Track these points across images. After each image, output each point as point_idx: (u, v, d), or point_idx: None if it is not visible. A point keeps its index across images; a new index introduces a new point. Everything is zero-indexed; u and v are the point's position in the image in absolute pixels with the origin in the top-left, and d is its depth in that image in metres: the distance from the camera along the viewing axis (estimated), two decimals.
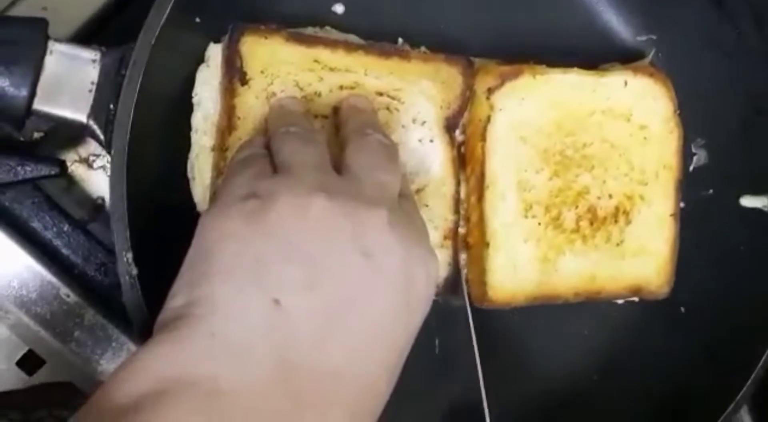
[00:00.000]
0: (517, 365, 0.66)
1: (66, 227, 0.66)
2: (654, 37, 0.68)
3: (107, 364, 0.62)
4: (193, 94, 0.56)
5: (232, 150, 0.53)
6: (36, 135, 0.65)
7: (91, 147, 0.67)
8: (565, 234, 0.61)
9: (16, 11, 0.62)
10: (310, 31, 0.59)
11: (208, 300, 0.41)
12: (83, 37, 0.62)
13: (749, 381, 0.60)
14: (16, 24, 0.52)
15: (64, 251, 0.66)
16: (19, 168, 0.62)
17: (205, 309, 0.41)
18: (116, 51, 0.52)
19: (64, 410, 0.56)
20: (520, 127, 0.60)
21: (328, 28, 0.60)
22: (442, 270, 0.59)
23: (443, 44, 0.61)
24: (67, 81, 0.51)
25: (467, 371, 0.60)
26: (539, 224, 0.61)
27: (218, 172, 0.54)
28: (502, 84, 0.59)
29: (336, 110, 0.56)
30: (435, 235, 0.58)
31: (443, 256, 0.59)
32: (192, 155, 0.56)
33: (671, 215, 0.64)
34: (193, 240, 0.44)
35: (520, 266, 0.60)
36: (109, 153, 0.50)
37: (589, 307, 0.64)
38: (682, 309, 0.66)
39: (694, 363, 0.64)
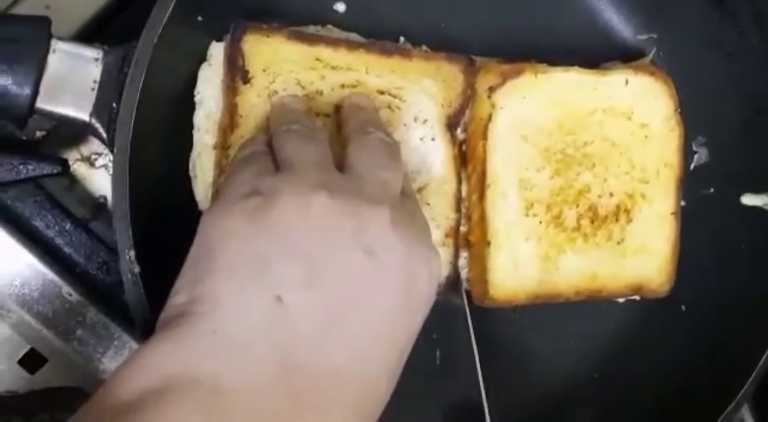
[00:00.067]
0: (517, 364, 0.66)
1: (68, 226, 0.66)
2: (655, 36, 0.68)
3: (109, 363, 0.62)
4: (195, 93, 0.56)
5: (234, 148, 0.53)
6: (38, 134, 0.65)
7: (93, 146, 0.67)
8: (566, 233, 0.61)
9: (19, 10, 0.62)
10: (311, 29, 0.59)
11: (210, 297, 0.41)
12: (86, 35, 0.62)
13: (750, 380, 0.60)
14: (18, 22, 0.52)
15: (66, 250, 0.66)
16: (21, 166, 0.62)
17: (207, 306, 0.41)
18: (119, 49, 0.52)
19: (67, 413, 0.56)
20: (522, 125, 0.60)
21: (329, 26, 0.60)
22: (444, 269, 0.59)
23: (444, 43, 0.61)
24: (70, 79, 0.51)
25: (467, 371, 0.60)
26: (540, 222, 0.61)
27: (220, 170, 0.54)
28: (503, 82, 0.59)
29: (338, 108, 0.56)
30: (436, 234, 0.59)
31: (445, 255, 0.59)
32: (194, 153, 0.56)
33: (672, 213, 0.64)
34: (195, 238, 0.44)
35: (522, 264, 0.60)
36: (111, 151, 0.50)
37: (590, 306, 0.64)
38: (683, 307, 0.66)
39: (695, 361, 0.64)
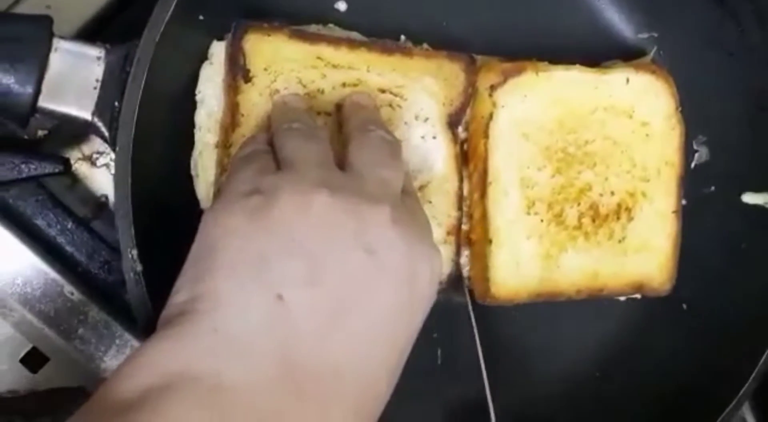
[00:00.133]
0: (518, 363, 0.66)
1: (70, 225, 0.66)
2: (656, 35, 0.68)
3: (111, 361, 0.62)
4: (197, 92, 0.56)
5: (236, 147, 0.53)
6: (40, 133, 0.65)
7: (95, 145, 0.67)
8: (567, 231, 0.61)
9: (20, 9, 0.62)
10: (313, 28, 0.59)
11: (211, 295, 0.41)
12: (87, 34, 0.63)
13: (751, 378, 0.60)
14: (21, 21, 0.52)
15: (68, 248, 0.66)
16: (23, 165, 0.63)
17: (208, 304, 0.41)
18: (121, 48, 0.52)
19: (69, 415, 0.56)
20: (523, 124, 0.60)
21: (330, 25, 0.60)
22: (446, 267, 0.59)
23: (445, 41, 0.61)
24: (72, 78, 0.51)
25: (469, 370, 0.60)
26: (542, 221, 0.61)
27: (222, 168, 0.55)
28: (504, 81, 0.59)
29: (339, 107, 0.56)
30: (438, 232, 0.59)
31: (446, 253, 0.59)
32: (195, 152, 0.56)
33: (673, 212, 0.64)
34: (196, 237, 0.44)
35: (523, 263, 0.60)
36: (113, 150, 0.50)
37: (591, 305, 0.65)
38: (684, 306, 0.66)
39: (696, 359, 0.64)
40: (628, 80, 0.62)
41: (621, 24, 0.69)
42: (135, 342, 0.62)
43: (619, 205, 0.62)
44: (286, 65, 0.56)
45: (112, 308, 0.63)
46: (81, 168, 0.67)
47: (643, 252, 0.63)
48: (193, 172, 0.56)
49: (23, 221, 0.65)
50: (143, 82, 0.50)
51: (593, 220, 0.62)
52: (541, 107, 0.60)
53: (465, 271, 0.62)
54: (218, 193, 0.54)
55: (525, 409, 0.64)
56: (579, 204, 0.61)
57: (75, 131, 0.66)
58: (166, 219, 0.52)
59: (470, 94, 0.60)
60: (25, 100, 0.50)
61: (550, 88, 0.60)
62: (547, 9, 0.67)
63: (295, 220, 0.42)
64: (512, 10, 0.66)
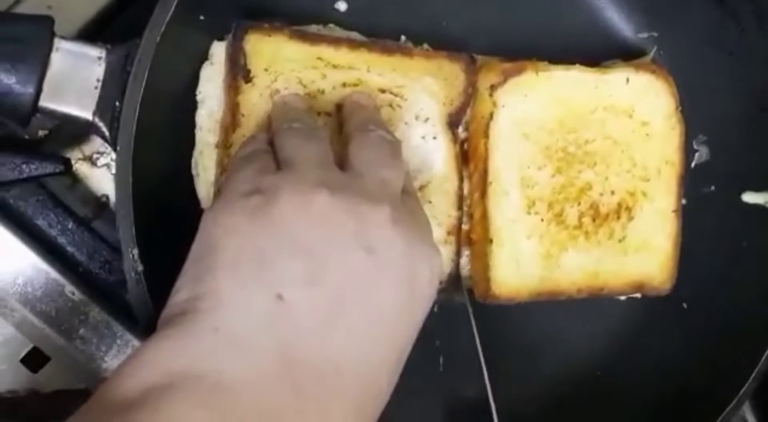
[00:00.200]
0: (518, 362, 0.66)
1: (70, 225, 0.66)
2: (656, 35, 0.68)
3: (112, 361, 0.62)
4: (197, 92, 0.57)
5: (236, 147, 0.53)
6: (41, 133, 0.65)
7: (95, 145, 0.67)
8: (567, 231, 0.61)
9: (21, 9, 0.62)
10: (313, 28, 0.59)
11: (212, 295, 0.41)
12: (88, 34, 0.63)
13: (752, 377, 0.60)
14: (22, 21, 0.52)
15: (69, 249, 0.66)
16: (23, 166, 0.63)
17: (209, 303, 0.41)
18: (122, 48, 0.52)
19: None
20: (523, 123, 0.60)
21: (331, 25, 0.60)
22: (446, 267, 0.59)
23: (445, 41, 0.61)
24: (73, 78, 0.51)
25: (469, 369, 0.60)
26: (542, 220, 0.61)
27: (222, 168, 0.55)
28: (504, 81, 0.59)
29: (339, 107, 0.56)
30: (438, 232, 0.59)
31: (447, 252, 0.59)
32: (196, 152, 0.56)
33: (673, 211, 0.64)
34: (196, 236, 0.45)
35: (523, 262, 0.60)
36: (114, 150, 0.50)
37: (591, 304, 0.65)
38: (684, 305, 0.66)
39: (697, 359, 0.64)
40: (628, 80, 0.62)
41: (621, 24, 0.69)
42: (136, 342, 0.62)
43: (619, 205, 0.62)
44: (286, 65, 0.56)
45: (113, 308, 0.63)
46: (82, 168, 0.67)
47: (644, 252, 0.63)
48: (193, 172, 0.57)
49: (24, 221, 0.65)
50: (144, 82, 0.50)
51: (593, 220, 0.62)
52: (542, 107, 0.61)
53: (465, 271, 0.62)
54: (218, 192, 0.54)
55: (525, 408, 0.64)
56: (579, 203, 0.62)
57: (76, 131, 0.66)
58: (167, 219, 0.52)
59: (470, 94, 0.60)
60: (26, 99, 0.50)
61: (550, 87, 0.60)
62: (547, 9, 0.67)
63: (295, 220, 0.42)
64: (512, 10, 0.66)
